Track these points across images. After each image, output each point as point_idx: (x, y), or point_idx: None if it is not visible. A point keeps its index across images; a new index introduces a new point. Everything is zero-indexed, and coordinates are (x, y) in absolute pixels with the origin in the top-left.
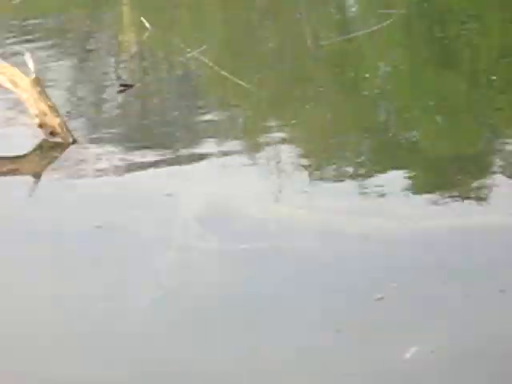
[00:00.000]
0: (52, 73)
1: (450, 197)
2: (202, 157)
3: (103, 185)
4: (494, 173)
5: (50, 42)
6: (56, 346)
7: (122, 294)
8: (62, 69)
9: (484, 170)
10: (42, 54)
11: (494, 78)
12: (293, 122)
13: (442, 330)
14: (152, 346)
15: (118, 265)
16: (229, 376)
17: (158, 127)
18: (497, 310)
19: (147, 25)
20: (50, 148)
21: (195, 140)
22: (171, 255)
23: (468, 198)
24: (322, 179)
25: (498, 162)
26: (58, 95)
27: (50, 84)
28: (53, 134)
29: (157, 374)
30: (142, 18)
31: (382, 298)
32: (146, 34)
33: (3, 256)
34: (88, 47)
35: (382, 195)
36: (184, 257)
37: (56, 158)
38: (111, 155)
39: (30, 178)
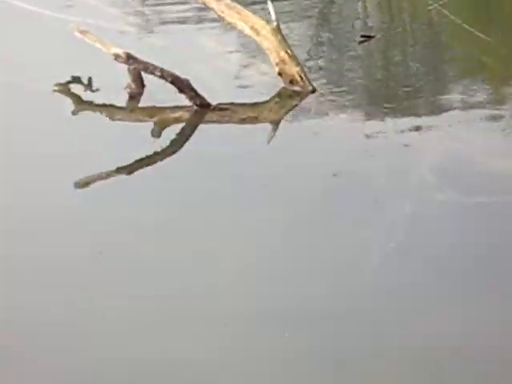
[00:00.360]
0: (290, 23)
1: None
2: (442, 109)
3: (340, 134)
4: None
5: None
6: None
7: (353, 244)
8: (300, 20)
9: None
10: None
11: None
12: None
13: None
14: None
15: (351, 213)
16: None
17: (398, 79)
18: None
19: None
20: (289, 96)
21: (437, 92)
22: (406, 206)
23: None
24: None
25: None
26: (296, 46)
27: (288, 34)
28: (292, 82)
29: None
30: None
31: None
32: None
33: (245, 197)
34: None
35: None
36: (419, 208)
37: (295, 106)
38: (350, 105)
39: (268, 126)
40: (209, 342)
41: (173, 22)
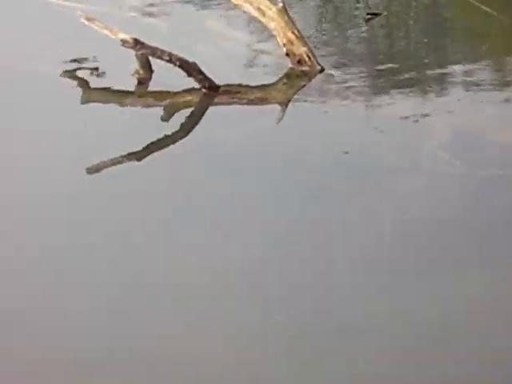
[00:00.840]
0: (296, 3)
1: None
2: (450, 84)
3: (349, 113)
4: None
5: None
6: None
7: (363, 218)
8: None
9: None
10: None
11: None
12: None
13: None
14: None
15: (360, 189)
16: None
17: (405, 55)
18: None
19: None
20: (297, 77)
21: (444, 67)
22: (417, 179)
23: None
24: None
25: None
26: (303, 25)
27: (295, 13)
28: (300, 62)
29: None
30: None
31: None
32: None
33: (257, 184)
34: None
35: None
36: (430, 182)
37: (303, 86)
38: (358, 84)
39: (277, 107)
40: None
41: (177, 2)
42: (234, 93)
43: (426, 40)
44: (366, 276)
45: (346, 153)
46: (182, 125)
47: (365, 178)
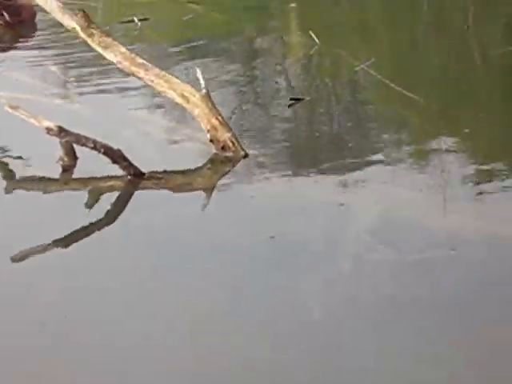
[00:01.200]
0: (219, 88)
1: None
2: (371, 168)
3: (274, 197)
4: None
5: (217, 59)
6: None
7: (291, 302)
8: (228, 84)
9: None
10: (209, 69)
11: None
12: (463, 131)
13: None
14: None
15: (289, 274)
16: None
17: (327, 140)
18: None
19: (315, 39)
20: (222, 162)
21: (365, 151)
22: (343, 265)
23: None
24: (491, 189)
25: None
26: (226, 111)
27: (217, 99)
28: (224, 148)
29: None
30: (310, 32)
31: None
32: (315, 47)
33: (181, 269)
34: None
35: None
36: (356, 267)
37: (227, 172)
38: (282, 168)
39: (201, 193)
40: None
41: (101, 90)
42: (159, 179)
43: (349, 124)
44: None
45: (272, 237)
46: (107, 211)
47: (290, 263)
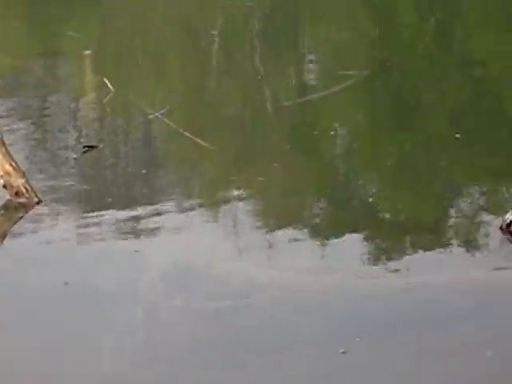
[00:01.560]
0: (13, 135)
1: (407, 255)
2: (165, 215)
3: (68, 242)
4: (451, 234)
5: (9, 104)
6: None
7: (84, 351)
8: (22, 131)
9: (442, 230)
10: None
11: (458, 136)
12: (255, 180)
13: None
14: None
15: (81, 321)
16: None
17: (120, 187)
18: (458, 362)
19: (110, 86)
20: (15, 208)
21: (158, 198)
22: (137, 312)
23: (425, 257)
24: (283, 237)
25: (456, 223)
26: (20, 158)
27: (12, 146)
28: (18, 194)
29: None
30: (104, 79)
31: (345, 352)
32: (109, 94)
33: None
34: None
35: (341, 254)
36: (150, 314)
37: (21, 218)
38: (75, 214)
39: None
40: None
41: None
42: None
43: (143, 171)
44: None
45: (66, 283)
46: None
47: (83, 310)
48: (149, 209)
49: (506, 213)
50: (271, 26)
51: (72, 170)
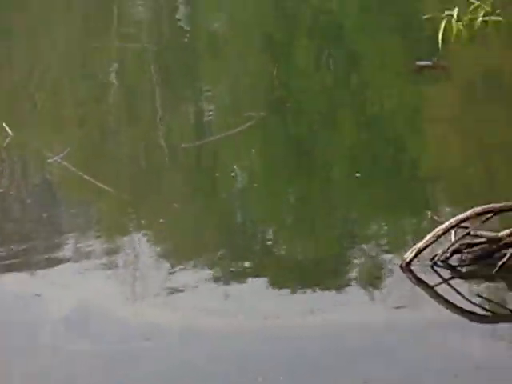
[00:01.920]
0: None
1: (308, 295)
2: (66, 259)
3: None
4: (352, 273)
5: None
6: None
7: None
8: None
9: (342, 270)
10: None
11: (358, 175)
12: (155, 222)
13: None
14: None
15: None
16: None
17: (19, 231)
18: None
19: (8, 130)
20: None
21: (58, 242)
22: (39, 357)
23: (325, 297)
24: (183, 279)
25: (356, 262)
26: None
27: None
28: None
29: None
30: (4, 124)
31: None
32: (7, 139)
33: None
34: None
35: (244, 295)
36: (52, 359)
37: None
38: None
39: None
40: None
41: None
42: None
43: (44, 215)
44: None
45: None
46: None
47: None
48: (49, 253)
49: (406, 251)
50: (170, 67)
51: None
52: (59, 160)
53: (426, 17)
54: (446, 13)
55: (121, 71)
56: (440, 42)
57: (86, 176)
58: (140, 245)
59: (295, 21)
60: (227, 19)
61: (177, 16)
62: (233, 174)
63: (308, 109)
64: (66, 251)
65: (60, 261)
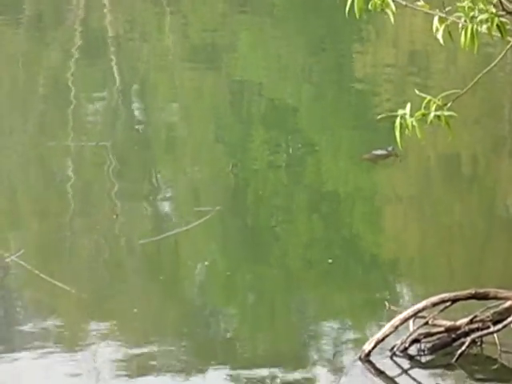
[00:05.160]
0: None
1: None
2: (24, 361)
3: None
4: (312, 365)
5: None
6: None
7: None
8: None
9: (301, 363)
10: None
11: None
12: (114, 325)
13: None
14: None
15: None
16: None
17: None
18: None
19: None
20: None
21: (17, 344)
22: None
23: None
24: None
25: (316, 354)
26: None
27: None
28: None
29: None
30: None
31: None
32: None
33: None
34: None
35: None
36: None
37: None
38: None
39: None
40: None
41: None
42: None
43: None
44: None
45: None
46: None
47: None
48: (5, 355)
49: (365, 343)
50: (126, 163)
51: None
52: (16, 259)
53: (379, 117)
54: (400, 111)
55: (76, 168)
56: (398, 136)
57: (43, 275)
58: (99, 347)
59: (250, 112)
60: (182, 111)
61: (132, 108)
62: (192, 267)
63: (265, 200)
64: (25, 353)
65: (18, 363)
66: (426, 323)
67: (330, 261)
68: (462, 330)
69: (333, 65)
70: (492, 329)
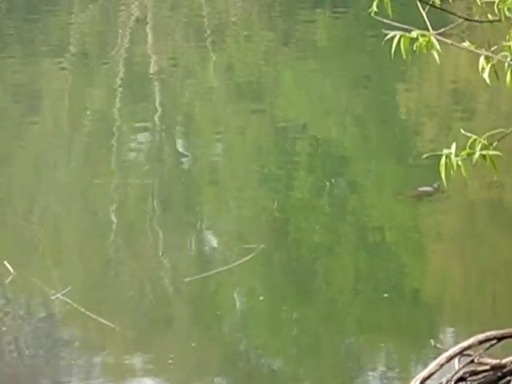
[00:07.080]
0: None
1: None
2: None
3: None
4: None
5: None
6: None
7: None
8: None
9: None
10: None
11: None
12: (165, 359)
13: None
14: None
15: None
16: None
17: (25, 366)
18: None
19: (10, 268)
20: None
21: (63, 380)
22: None
23: None
24: None
25: None
26: None
27: None
28: None
29: None
30: (5, 262)
31: None
32: (10, 277)
33: None
34: None
35: None
36: None
37: None
38: None
39: None
40: None
41: None
42: None
43: (48, 353)
44: None
45: None
46: None
47: None
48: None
49: (410, 381)
50: (170, 201)
51: None
52: (61, 297)
53: (425, 156)
54: (445, 151)
55: (121, 206)
56: (443, 176)
57: (88, 312)
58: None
59: (294, 151)
60: (227, 150)
61: (176, 147)
62: (237, 306)
63: (309, 238)
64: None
65: None
66: (472, 361)
67: (385, 295)
68: (508, 368)
69: (376, 103)
70: None
